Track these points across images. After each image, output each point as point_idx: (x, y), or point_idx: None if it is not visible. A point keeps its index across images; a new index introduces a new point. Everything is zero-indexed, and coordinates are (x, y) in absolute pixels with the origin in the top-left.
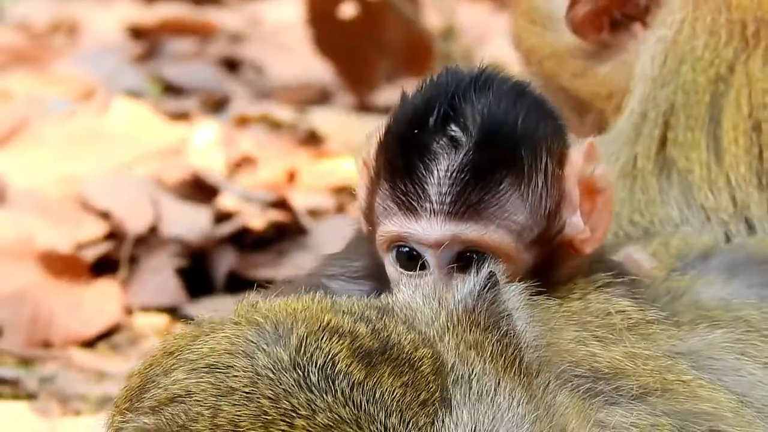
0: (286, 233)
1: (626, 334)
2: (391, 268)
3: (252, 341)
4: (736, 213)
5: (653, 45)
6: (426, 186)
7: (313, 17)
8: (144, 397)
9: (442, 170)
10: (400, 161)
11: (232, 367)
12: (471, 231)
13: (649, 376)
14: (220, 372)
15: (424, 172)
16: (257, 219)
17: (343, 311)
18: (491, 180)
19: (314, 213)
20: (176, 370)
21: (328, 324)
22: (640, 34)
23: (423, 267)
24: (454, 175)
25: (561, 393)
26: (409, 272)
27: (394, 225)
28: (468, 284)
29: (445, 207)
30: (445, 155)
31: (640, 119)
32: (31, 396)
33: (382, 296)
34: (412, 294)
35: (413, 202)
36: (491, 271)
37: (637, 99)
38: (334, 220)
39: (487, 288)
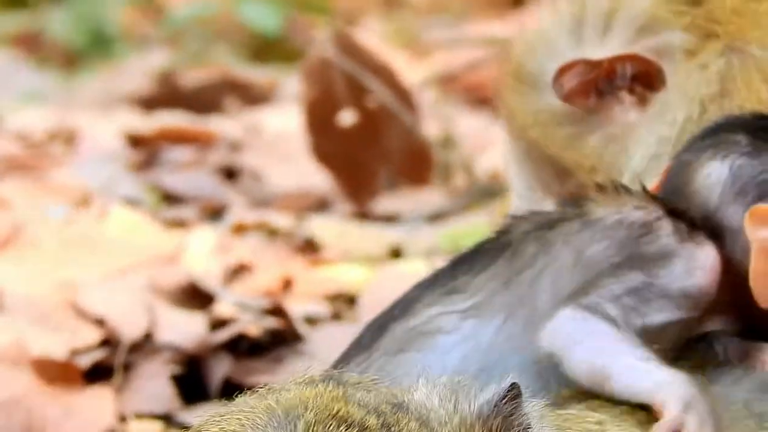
0: (282, 340)
1: None
2: None
3: (260, 425)
4: None
5: (654, 144)
6: None
7: (312, 125)
8: None
9: None
10: None
11: None
12: None
13: None
14: None
15: None
16: (253, 326)
17: (356, 402)
18: None
19: (310, 320)
20: None
21: (337, 413)
22: (627, 100)
23: None
24: None
25: None
26: None
27: None
28: (487, 392)
29: None
30: None
31: None
32: None
33: (398, 393)
34: (429, 394)
35: None
36: (514, 382)
37: None
38: (330, 327)
39: (506, 399)
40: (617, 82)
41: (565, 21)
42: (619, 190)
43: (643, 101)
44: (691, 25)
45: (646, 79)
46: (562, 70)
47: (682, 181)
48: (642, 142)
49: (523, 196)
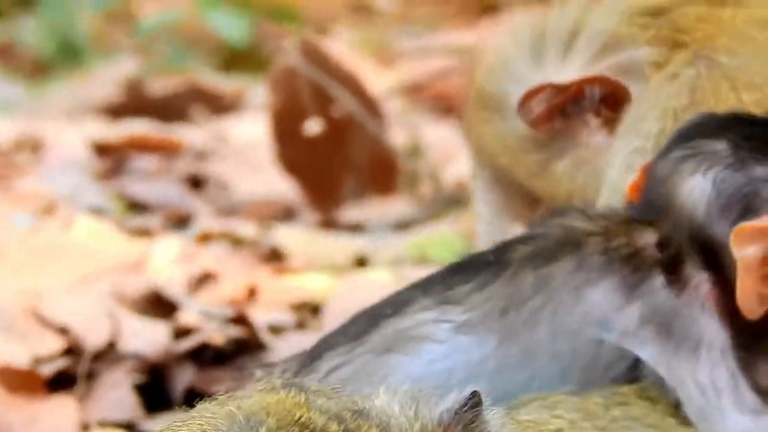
0: (245, 349)
1: None
2: None
3: (222, 430)
4: None
5: (630, 156)
6: None
7: (278, 134)
8: None
9: None
10: None
11: None
12: None
13: None
14: None
15: None
16: (217, 335)
17: (317, 409)
18: None
19: (274, 329)
20: None
21: (299, 419)
22: (593, 122)
23: None
24: None
25: None
26: None
27: None
28: (447, 400)
29: None
30: None
31: None
32: None
33: (359, 400)
34: (389, 401)
35: None
36: (475, 391)
37: None
38: (295, 336)
39: (467, 407)
40: (584, 104)
41: (525, 43)
42: (609, 218)
43: (609, 123)
44: (656, 38)
45: (612, 100)
46: (528, 96)
47: (663, 194)
48: (617, 155)
49: (491, 224)
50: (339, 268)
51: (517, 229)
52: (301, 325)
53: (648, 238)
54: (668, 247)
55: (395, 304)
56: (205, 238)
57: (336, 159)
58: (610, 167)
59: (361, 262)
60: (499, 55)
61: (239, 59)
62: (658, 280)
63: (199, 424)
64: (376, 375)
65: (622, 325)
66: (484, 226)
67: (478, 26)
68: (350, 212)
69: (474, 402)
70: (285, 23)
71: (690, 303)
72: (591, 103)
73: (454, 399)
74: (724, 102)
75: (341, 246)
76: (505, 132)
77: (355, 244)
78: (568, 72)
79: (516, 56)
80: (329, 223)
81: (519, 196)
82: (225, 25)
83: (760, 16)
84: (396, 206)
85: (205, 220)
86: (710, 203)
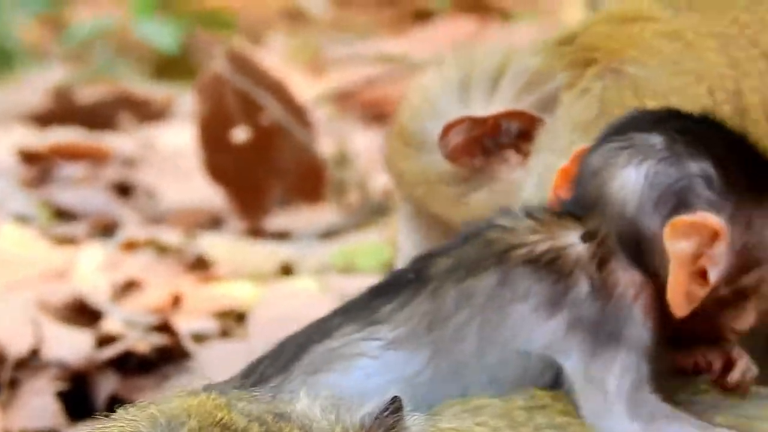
0: (169, 357)
1: None
2: None
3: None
4: None
5: (543, 172)
6: None
7: (205, 142)
8: None
9: None
10: None
11: None
12: None
13: None
14: None
15: None
16: (141, 343)
17: (239, 411)
18: None
19: (198, 337)
20: None
21: (221, 420)
22: (513, 159)
23: None
24: None
25: None
26: None
27: None
28: (369, 405)
29: None
30: None
31: None
32: None
33: (280, 404)
34: (311, 405)
35: None
36: (396, 396)
37: None
38: (219, 344)
39: (388, 412)
40: (502, 139)
41: (452, 82)
42: (529, 214)
43: (528, 159)
44: (571, 62)
45: (531, 135)
46: (448, 128)
47: (594, 187)
48: (531, 174)
49: (411, 257)
50: (264, 276)
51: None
52: (225, 334)
53: (573, 236)
54: (595, 245)
55: (321, 331)
56: (131, 246)
57: (263, 167)
58: (525, 185)
59: (287, 271)
60: (426, 94)
61: (172, 67)
62: (584, 287)
63: (121, 426)
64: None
65: (548, 337)
66: (404, 259)
67: (411, 33)
68: (277, 220)
69: (395, 407)
70: (219, 30)
71: (616, 306)
72: (508, 137)
73: (375, 404)
74: (630, 110)
75: (267, 254)
76: (426, 166)
77: (281, 252)
78: (492, 110)
79: (442, 95)
80: (256, 231)
81: (437, 229)
82: (154, 33)
83: (667, 29)
84: (323, 214)
85: (132, 228)
86: (643, 196)
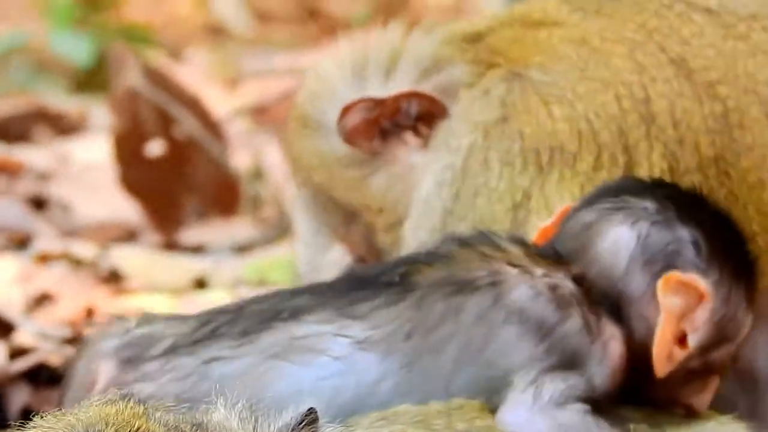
0: None
1: None
2: None
3: None
4: None
5: (440, 172)
6: None
7: (120, 156)
8: None
9: None
10: None
11: None
12: None
13: None
14: None
15: None
16: (53, 355)
17: (156, 420)
18: None
19: None
20: None
21: (138, 429)
22: (412, 141)
23: None
24: None
25: None
26: None
27: None
28: (285, 416)
29: None
30: None
31: None
32: None
33: (197, 414)
34: (227, 415)
35: None
36: (311, 408)
37: (425, 228)
38: None
39: (303, 423)
40: (401, 121)
41: (348, 66)
42: (524, 248)
43: (427, 142)
44: (473, 60)
45: (430, 117)
46: (346, 109)
47: (585, 238)
48: (428, 171)
49: (309, 243)
50: (178, 290)
51: (336, 250)
52: None
53: (562, 274)
54: (584, 289)
55: (290, 309)
56: (45, 258)
57: (178, 181)
58: (422, 183)
59: (201, 284)
60: (322, 78)
61: (90, 81)
62: (576, 323)
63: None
64: (260, 379)
65: (526, 360)
66: (303, 245)
67: (326, 47)
68: (191, 234)
69: (311, 419)
70: (140, 46)
71: (595, 349)
72: (408, 119)
73: (291, 415)
74: (535, 116)
75: (181, 267)
76: (325, 149)
77: (196, 265)
78: (390, 92)
79: (338, 79)
80: (170, 245)
81: (335, 213)
82: (70, 47)
83: (575, 35)
84: (238, 228)
85: (46, 241)
86: (634, 253)
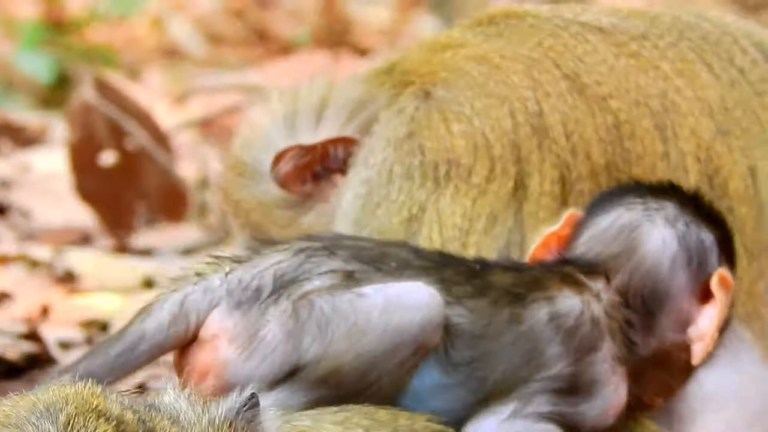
0: (37, 363)
1: None
2: None
3: (24, 415)
4: None
5: (357, 185)
6: None
7: (75, 165)
8: None
9: None
10: None
11: None
12: None
13: None
14: None
15: None
16: (10, 350)
17: (113, 399)
18: None
19: (65, 345)
20: None
21: (97, 407)
22: (341, 182)
23: None
24: None
25: None
26: None
27: None
28: (230, 400)
29: None
30: None
31: None
32: None
33: (148, 397)
34: (177, 398)
35: None
36: (253, 393)
37: None
38: (83, 351)
39: (247, 407)
40: (331, 164)
41: (279, 116)
42: (542, 265)
43: None
44: (391, 86)
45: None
46: (278, 156)
47: (625, 244)
48: (348, 187)
49: None
50: (127, 290)
51: None
52: (89, 342)
53: (603, 286)
54: (620, 306)
55: (398, 263)
56: (3, 260)
57: (129, 188)
58: (343, 198)
59: (148, 284)
60: (254, 128)
61: (53, 98)
62: (606, 351)
63: (3, 410)
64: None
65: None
66: None
67: (271, 67)
68: (142, 238)
69: (253, 402)
70: (101, 65)
71: (611, 377)
72: (336, 162)
73: (235, 399)
74: (436, 131)
75: (131, 269)
76: (260, 194)
77: (144, 267)
78: (319, 138)
79: (270, 127)
80: (122, 248)
81: None
82: (32, 66)
83: (477, 53)
84: (185, 233)
85: (5, 244)
86: (677, 254)
